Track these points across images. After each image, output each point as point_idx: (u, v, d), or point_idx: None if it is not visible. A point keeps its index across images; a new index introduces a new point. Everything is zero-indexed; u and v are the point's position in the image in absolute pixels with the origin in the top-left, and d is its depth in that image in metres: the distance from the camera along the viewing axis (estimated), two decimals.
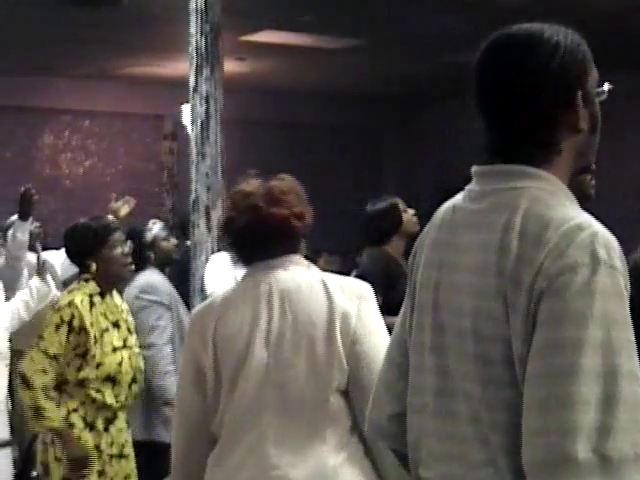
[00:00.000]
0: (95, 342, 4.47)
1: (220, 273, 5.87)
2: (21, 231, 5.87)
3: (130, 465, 4.64)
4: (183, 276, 7.08)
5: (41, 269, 5.70)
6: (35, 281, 5.66)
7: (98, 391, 4.48)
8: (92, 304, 4.54)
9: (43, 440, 4.57)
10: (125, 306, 4.86)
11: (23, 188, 5.83)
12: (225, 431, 2.86)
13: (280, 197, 2.94)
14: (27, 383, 4.38)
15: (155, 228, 6.08)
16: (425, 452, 2.02)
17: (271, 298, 2.86)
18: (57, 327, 4.44)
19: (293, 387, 2.80)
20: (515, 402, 1.79)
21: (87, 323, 4.46)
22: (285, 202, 2.94)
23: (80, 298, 4.51)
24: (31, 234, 6.35)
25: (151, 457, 5.00)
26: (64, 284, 6.66)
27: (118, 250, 4.67)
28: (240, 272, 3.13)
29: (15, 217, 6.01)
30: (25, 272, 6.04)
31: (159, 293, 5.52)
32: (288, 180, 3.02)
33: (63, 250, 6.60)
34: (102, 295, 4.63)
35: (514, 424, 1.78)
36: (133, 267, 4.85)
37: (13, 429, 5.55)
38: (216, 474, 2.86)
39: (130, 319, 4.83)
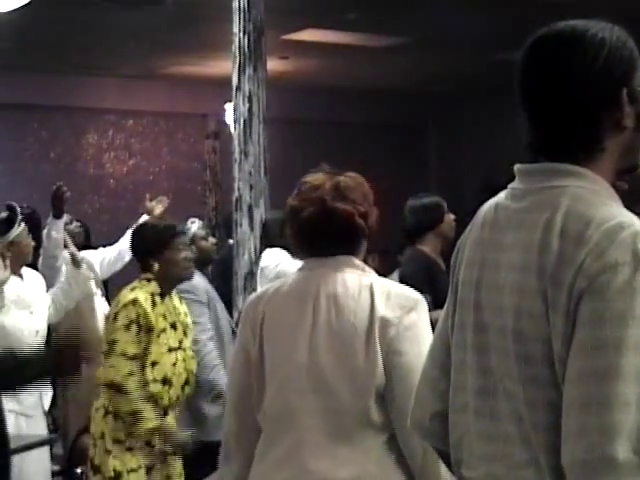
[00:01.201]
0: (153, 342, 4.53)
1: (276, 253, 5.96)
2: (55, 229, 5.91)
3: (178, 463, 4.68)
4: (226, 275, 7.09)
5: (74, 260, 5.73)
6: (71, 271, 5.69)
7: (157, 393, 4.52)
8: (154, 303, 4.59)
9: (94, 433, 4.60)
10: (184, 308, 4.88)
11: (55, 186, 5.86)
12: (267, 427, 2.87)
13: (346, 193, 2.91)
14: (121, 390, 4.43)
15: (194, 227, 6.11)
16: (467, 452, 2.01)
17: (318, 300, 2.84)
18: (127, 327, 4.49)
19: (332, 393, 2.78)
20: (556, 402, 1.78)
21: (152, 321, 4.52)
22: (350, 199, 2.91)
23: (144, 296, 4.56)
24: (71, 233, 6.39)
25: (199, 456, 5.01)
26: (104, 283, 6.71)
27: (181, 254, 4.72)
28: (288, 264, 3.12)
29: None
30: (63, 269, 6.08)
31: (197, 292, 5.54)
32: (356, 177, 2.99)
33: (102, 249, 6.67)
34: (162, 296, 4.67)
35: (555, 424, 1.77)
36: (193, 271, 4.90)
37: (57, 426, 5.59)
38: (257, 470, 2.87)
39: (188, 321, 4.86)
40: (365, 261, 3.00)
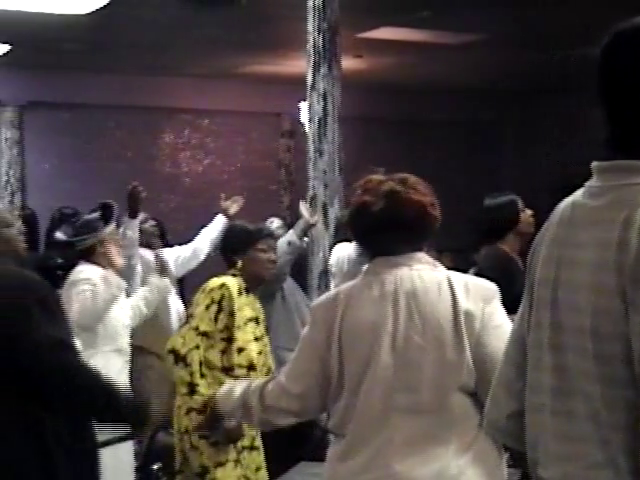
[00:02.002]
0: (239, 327, 4.61)
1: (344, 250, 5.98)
2: (131, 229, 5.97)
3: (260, 457, 4.73)
4: (301, 273, 7.12)
5: (162, 267, 5.78)
6: (155, 278, 5.75)
7: (242, 378, 4.54)
8: (240, 292, 4.69)
9: (178, 429, 4.65)
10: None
11: (130, 186, 5.92)
12: (351, 431, 2.86)
13: (415, 186, 2.92)
14: (183, 361, 4.52)
15: (272, 227, 6.13)
16: (543, 452, 2.00)
17: (397, 299, 2.83)
18: (207, 307, 4.60)
19: (420, 390, 2.77)
20: (635, 402, 1.76)
21: (235, 306, 4.61)
22: (420, 191, 2.91)
23: (231, 282, 4.68)
24: (146, 232, 6.45)
25: (281, 445, 5.01)
26: (178, 282, 6.76)
27: (265, 255, 4.83)
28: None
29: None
30: (139, 268, 6.14)
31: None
32: (414, 176, 3.00)
33: (177, 248, 6.72)
34: (247, 291, 4.77)
35: (635, 424, 1.75)
36: (274, 273, 4.98)
37: None
38: (339, 471, 2.87)
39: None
40: (438, 259, 2.98)
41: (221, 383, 4.51)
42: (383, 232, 2.92)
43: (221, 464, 4.54)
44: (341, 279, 6.29)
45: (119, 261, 5.30)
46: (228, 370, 4.59)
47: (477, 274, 5.43)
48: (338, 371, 2.88)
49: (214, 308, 4.59)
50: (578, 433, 1.89)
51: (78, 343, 3.66)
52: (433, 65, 12.47)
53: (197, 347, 4.54)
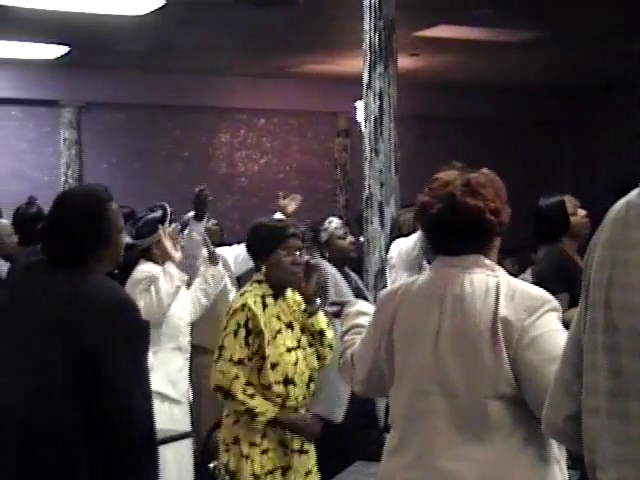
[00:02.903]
0: (268, 343, 4.51)
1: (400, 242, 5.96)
2: (197, 231, 5.99)
3: (311, 461, 4.67)
4: (357, 272, 7.09)
5: (212, 257, 5.82)
6: (209, 269, 5.80)
7: (280, 394, 4.52)
8: (265, 305, 4.56)
9: (224, 440, 4.63)
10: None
11: (198, 189, 5.94)
12: (398, 425, 2.89)
13: (477, 189, 2.88)
14: (229, 395, 4.47)
15: (332, 226, 6.10)
16: (600, 454, 1.98)
17: (444, 300, 2.83)
18: (235, 333, 4.49)
19: (458, 394, 2.77)
20: None
21: (261, 323, 4.50)
22: (481, 195, 2.87)
23: (252, 300, 4.53)
24: (209, 231, 6.49)
25: (338, 445, 4.99)
26: (238, 280, 6.76)
27: (289, 257, 4.60)
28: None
29: (191, 214, 6.14)
30: (202, 269, 6.18)
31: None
32: (489, 174, 2.96)
33: (236, 246, 6.73)
34: (275, 297, 4.63)
35: None
36: (301, 276, 4.77)
37: (191, 421, 5.67)
38: (391, 464, 2.89)
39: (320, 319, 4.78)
40: (501, 262, 2.96)
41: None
42: (440, 233, 2.93)
43: (270, 472, 4.51)
44: (402, 270, 6.29)
45: (175, 254, 5.35)
46: (266, 388, 4.51)
47: (535, 276, 5.39)
48: (387, 363, 2.92)
49: (242, 333, 4.47)
50: (633, 435, 1.87)
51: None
52: (491, 63, 12.41)
53: (237, 377, 4.46)
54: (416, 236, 6.11)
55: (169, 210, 5.49)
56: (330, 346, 4.72)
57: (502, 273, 2.87)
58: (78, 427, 3.01)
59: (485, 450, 2.73)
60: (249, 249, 4.84)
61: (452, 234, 2.89)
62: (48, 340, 3.05)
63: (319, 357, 4.74)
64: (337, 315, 3.45)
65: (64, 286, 3.15)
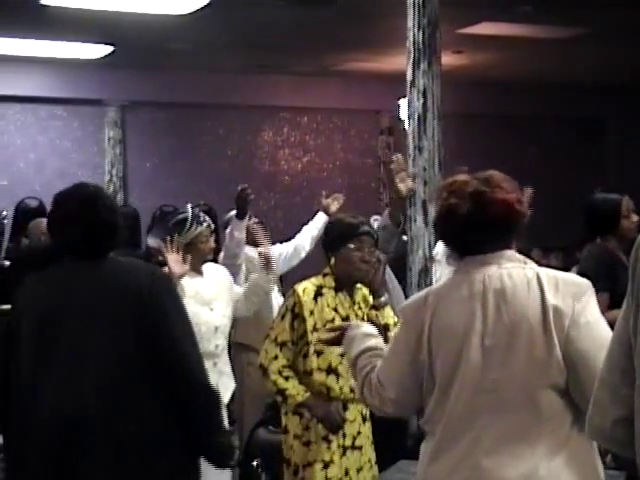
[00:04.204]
0: (313, 330, 4.55)
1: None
2: (238, 230, 5.98)
3: (365, 457, 4.66)
4: (401, 271, 7.07)
5: (267, 263, 5.69)
6: (256, 275, 5.69)
7: (322, 382, 4.55)
8: (319, 294, 4.62)
9: (282, 430, 4.69)
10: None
11: (239, 187, 5.93)
12: (441, 431, 2.86)
13: (499, 184, 2.90)
14: (265, 372, 4.59)
15: (375, 225, 6.10)
16: None
17: (486, 298, 2.82)
18: (282, 316, 4.63)
19: (508, 390, 2.76)
20: None
21: (305, 311, 4.56)
22: (504, 189, 2.89)
23: (304, 287, 4.63)
24: (250, 229, 6.46)
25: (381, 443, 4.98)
26: (280, 279, 6.76)
27: (358, 253, 4.65)
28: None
29: (233, 213, 6.13)
30: (243, 267, 6.16)
31: None
32: (499, 173, 2.96)
33: (278, 245, 6.73)
34: (337, 290, 4.67)
35: None
36: (367, 273, 4.77)
37: (234, 420, 5.68)
38: (430, 471, 2.88)
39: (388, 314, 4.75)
40: (545, 258, 2.95)
41: (309, 388, 4.56)
42: (471, 233, 2.91)
43: (309, 464, 4.54)
44: (447, 266, 6.28)
45: (177, 270, 5.05)
46: (308, 374, 4.58)
47: (579, 272, 5.35)
48: (429, 371, 2.89)
49: (289, 317, 4.60)
50: None
51: None
52: (534, 60, 12.33)
53: (275, 357, 4.57)
54: None
55: (190, 215, 5.27)
56: None
57: (534, 265, 2.89)
58: (154, 387, 3.34)
59: (531, 448, 2.73)
60: (323, 242, 4.90)
61: (484, 231, 2.89)
62: (119, 318, 3.35)
63: None
64: (336, 342, 3.35)
65: (107, 270, 3.47)
